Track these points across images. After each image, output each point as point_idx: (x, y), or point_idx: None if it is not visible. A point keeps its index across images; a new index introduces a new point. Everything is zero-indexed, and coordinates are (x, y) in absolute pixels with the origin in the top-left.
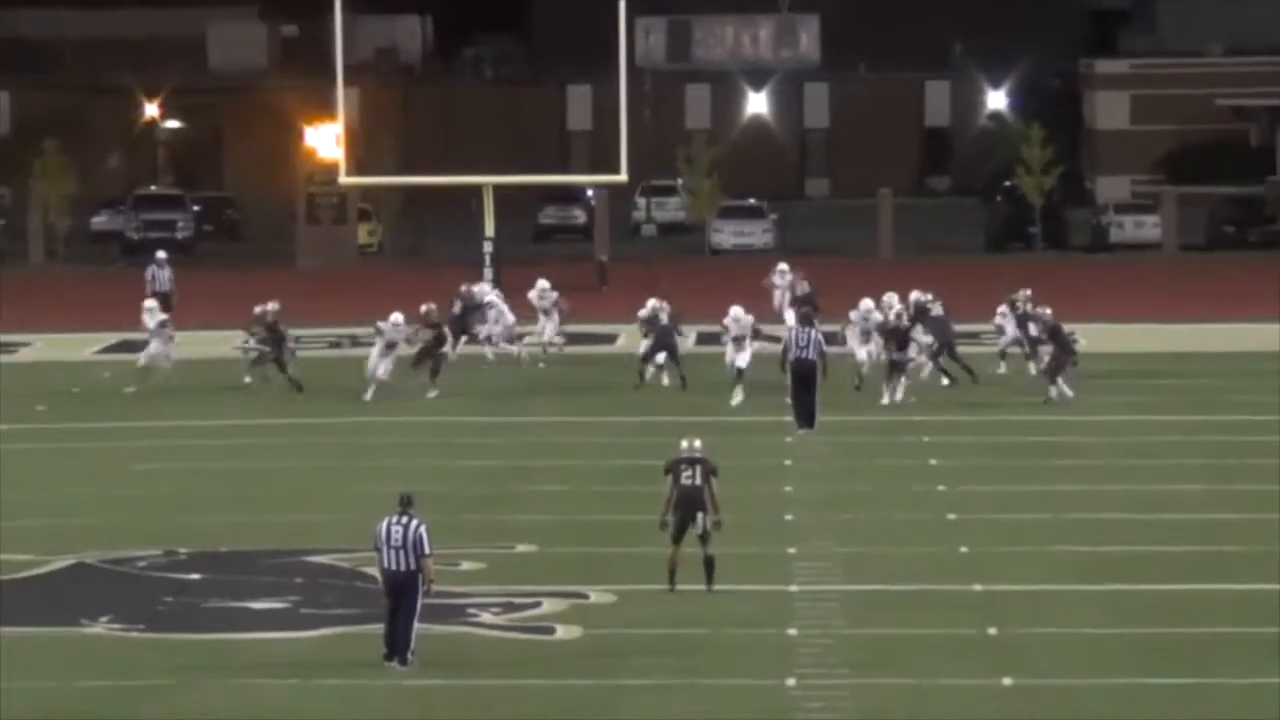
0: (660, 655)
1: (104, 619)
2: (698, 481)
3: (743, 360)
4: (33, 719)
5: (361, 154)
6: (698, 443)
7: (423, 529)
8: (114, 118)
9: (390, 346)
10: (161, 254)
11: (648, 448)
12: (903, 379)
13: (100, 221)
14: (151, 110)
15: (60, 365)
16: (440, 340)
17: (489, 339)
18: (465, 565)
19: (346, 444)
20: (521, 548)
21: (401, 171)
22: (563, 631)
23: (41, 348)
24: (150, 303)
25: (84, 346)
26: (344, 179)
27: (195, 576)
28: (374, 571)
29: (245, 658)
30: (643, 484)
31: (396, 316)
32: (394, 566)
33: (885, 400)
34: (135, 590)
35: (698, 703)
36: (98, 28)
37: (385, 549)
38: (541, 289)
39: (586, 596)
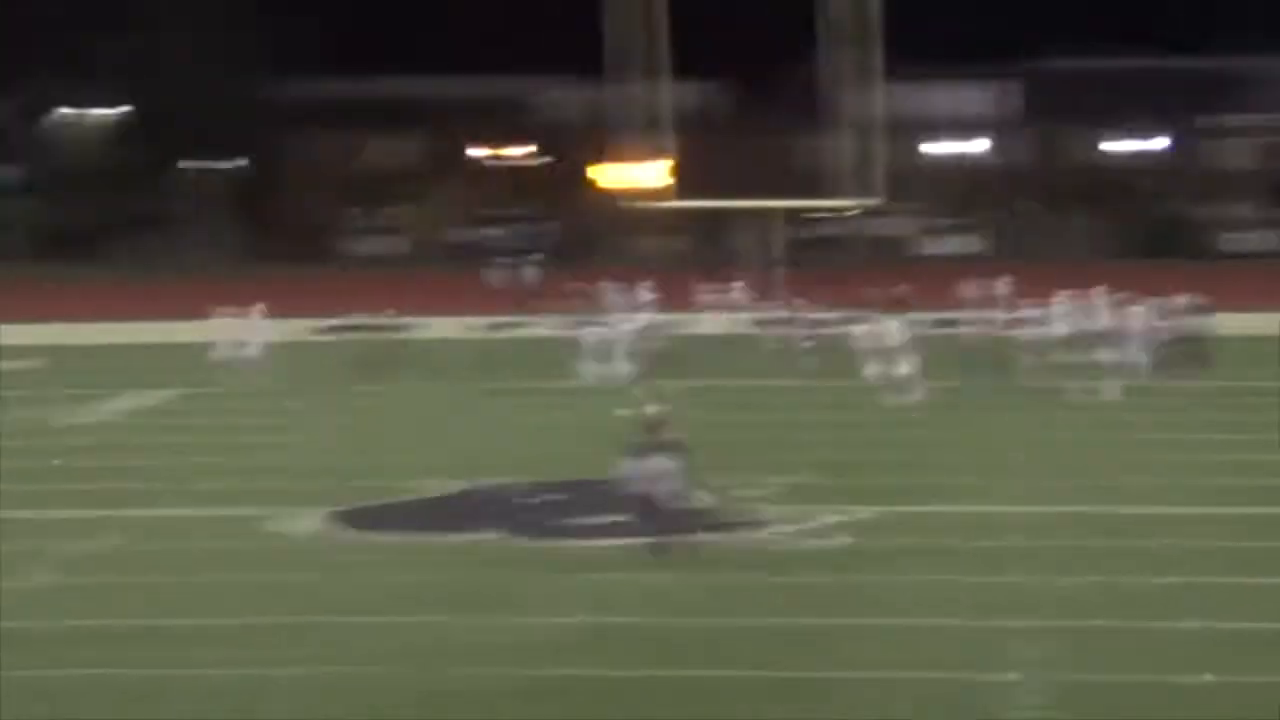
0: (917, 557)
1: (485, 530)
2: None
3: None
4: (409, 600)
5: (675, 183)
6: None
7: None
8: (475, 158)
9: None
10: (513, 258)
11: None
12: None
13: (468, 234)
14: (510, 151)
15: (450, 341)
16: None
17: None
18: (764, 490)
19: None
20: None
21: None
22: (836, 539)
23: (434, 327)
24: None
25: (463, 327)
26: (660, 203)
27: (556, 497)
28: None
29: (582, 557)
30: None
31: None
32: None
33: None
34: (509, 509)
35: (947, 592)
36: (464, 90)
37: (656, 476)
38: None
39: (854, 513)
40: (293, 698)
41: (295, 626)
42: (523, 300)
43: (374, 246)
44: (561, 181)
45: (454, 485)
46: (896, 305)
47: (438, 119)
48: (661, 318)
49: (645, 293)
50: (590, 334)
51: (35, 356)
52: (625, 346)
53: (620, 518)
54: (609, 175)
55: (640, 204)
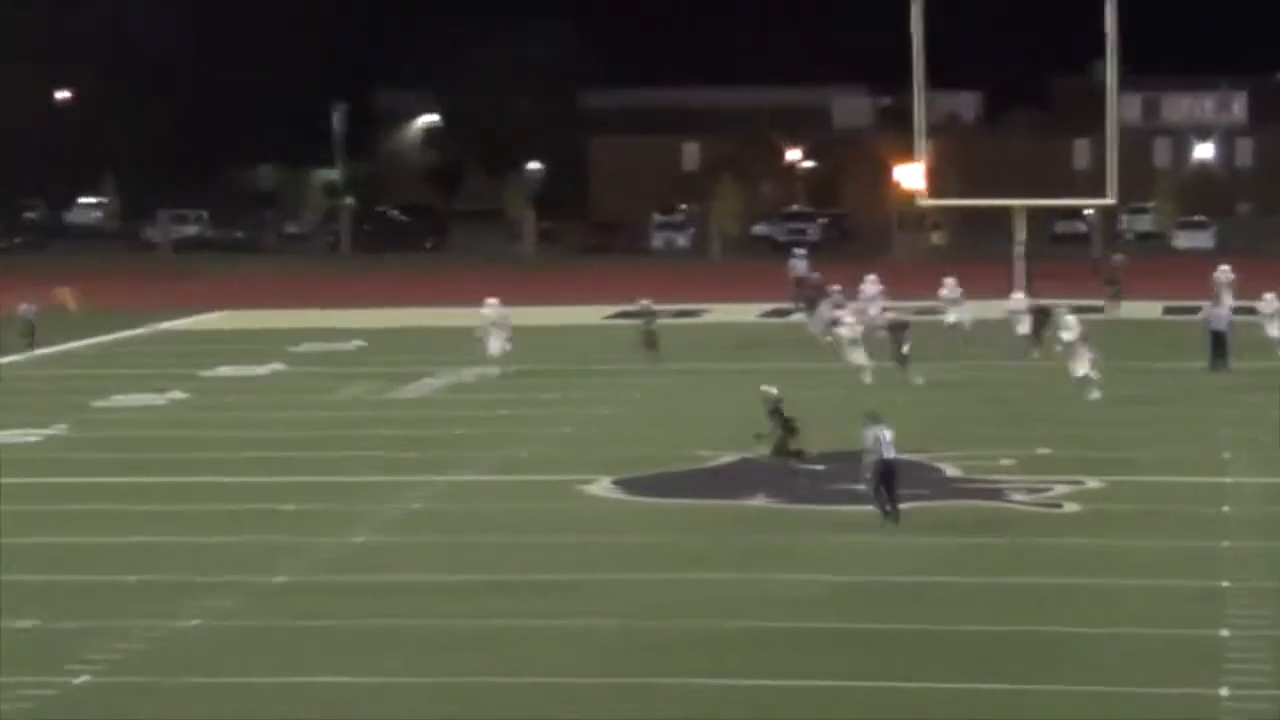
0: (1139, 521)
1: (754, 497)
2: None
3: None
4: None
5: (935, 184)
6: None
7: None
8: (766, 160)
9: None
10: (799, 250)
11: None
12: None
13: (758, 229)
14: (793, 155)
15: (731, 326)
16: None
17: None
18: (1004, 461)
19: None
20: (1040, 450)
21: (961, 196)
22: (1068, 507)
23: (717, 313)
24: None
25: (748, 313)
26: (924, 201)
27: (817, 467)
28: (941, 466)
29: (839, 520)
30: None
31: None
32: (891, 456)
33: None
34: (775, 477)
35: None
36: (755, 99)
37: (884, 446)
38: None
39: (1083, 483)
40: (582, 646)
41: (585, 582)
42: (802, 289)
43: (671, 240)
44: (847, 181)
45: (727, 456)
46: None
47: (732, 124)
48: (905, 304)
49: (871, 285)
50: (840, 321)
51: (356, 338)
52: (880, 333)
53: (865, 485)
54: (892, 176)
55: (917, 202)
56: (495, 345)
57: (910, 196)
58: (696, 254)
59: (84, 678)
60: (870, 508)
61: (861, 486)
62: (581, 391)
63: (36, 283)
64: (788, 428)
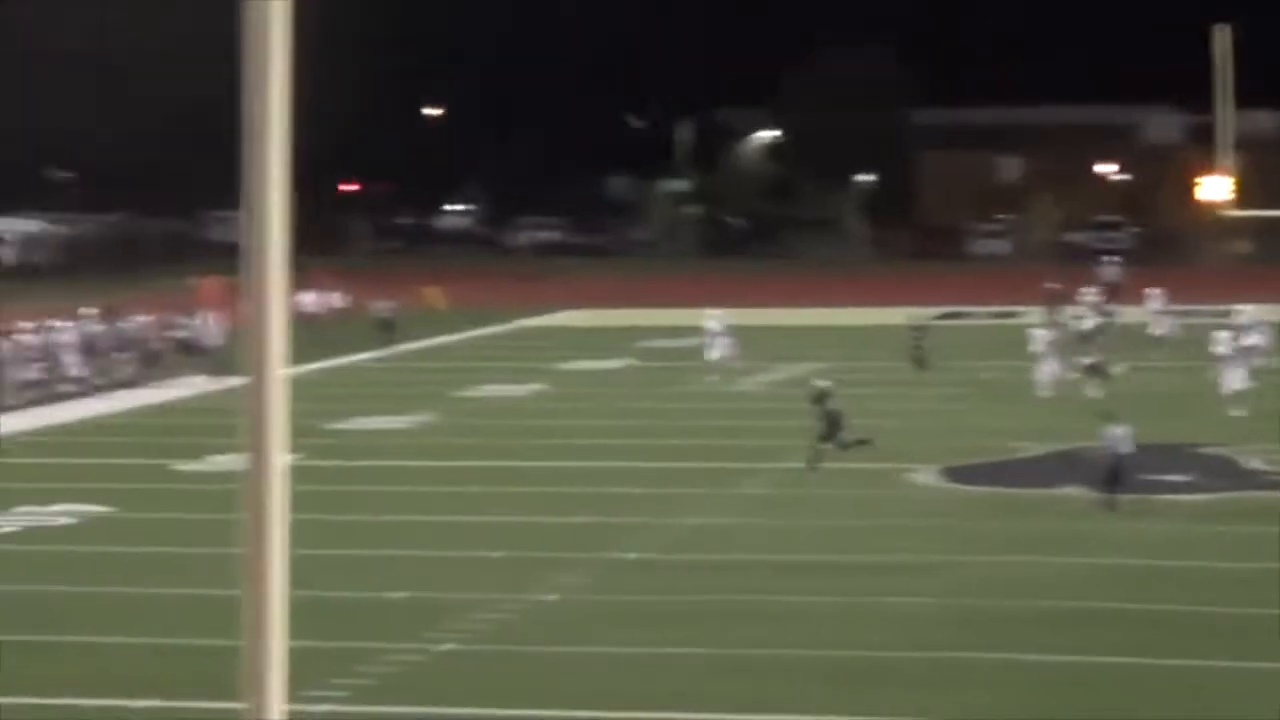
0: None
1: (1068, 486)
2: None
3: None
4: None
5: (1243, 195)
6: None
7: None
8: (1081, 173)
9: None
10: (1109, 258)
11: None
12: None
13: (1073, 237)
14: (1104, 168)
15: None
16: None
17: None
18: None
19: None
20: None
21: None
22: None
23: (1032, 316)
24: (1093, 290)
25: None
26: (1230, 212)
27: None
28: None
29: (1150, 508)
30: None
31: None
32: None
33: None
34: (1093, 468)
35: None
36: (1071, 116)
37: (1118, 442)
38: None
39: None
40: (905, 622)
41: (914, 564)
42: (1111, 295)
43: (989, 247)
44: (1153, 194)
45: (1040, 448)
46: None
47: (1046, 141)
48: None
49: (1093, 294)
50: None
51: (695, 336)
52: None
53: (1182, 477)
54: (1197, 190)
55: (1220, 214)
56: (717, 351)
57: (1215, 207)
58: (1012, 260)
59: (448, 645)
60: (1170, 496)
61: (1176, 477)
62: (907, 387)
63: (407, 283)
64: (830, 420)
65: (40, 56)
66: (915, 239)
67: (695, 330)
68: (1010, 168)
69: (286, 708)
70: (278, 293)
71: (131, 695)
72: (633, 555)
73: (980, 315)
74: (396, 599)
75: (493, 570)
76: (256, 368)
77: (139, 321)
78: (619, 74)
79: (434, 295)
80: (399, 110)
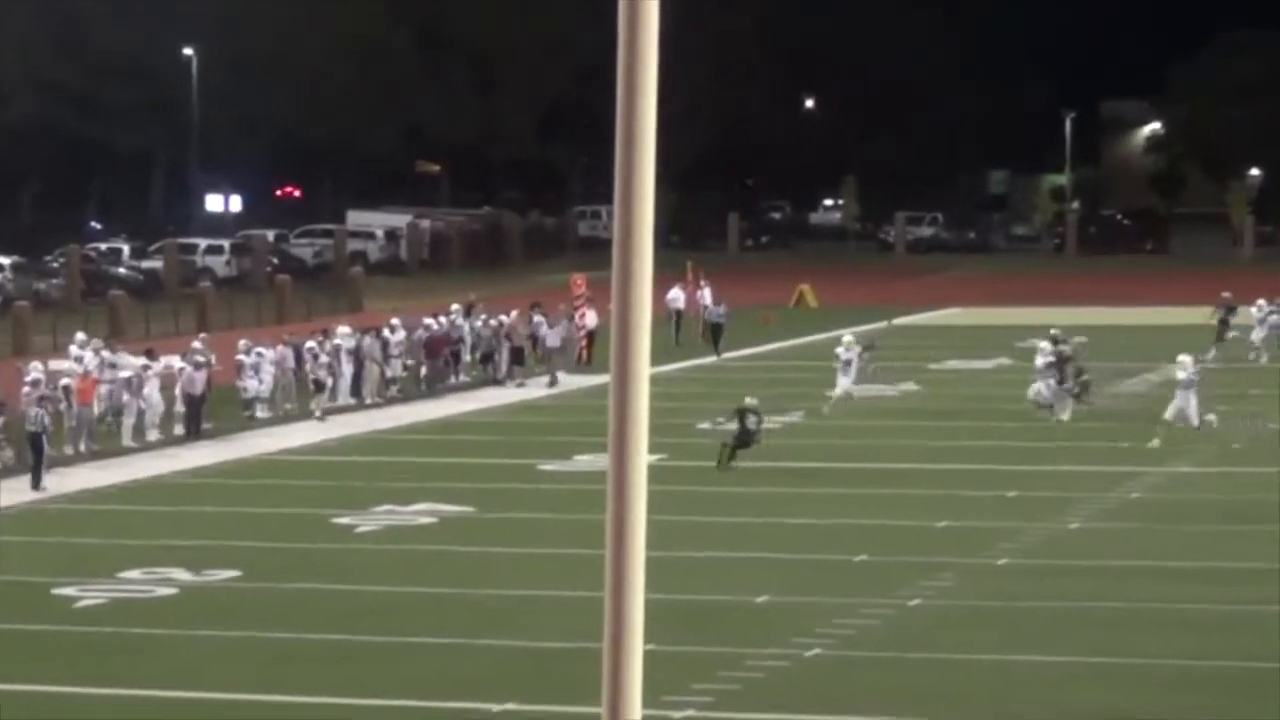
0: None
1: None
2: None
3: None
4: None
5: None
6: None
7: None
8: None
9: None
10: None
11: None
12: None
13: None
14: None
15: None
16: None
17: None
18: None
19: None
20: None
21: None
22: None
23: None
24: None
25: None
26: None
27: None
28: None
29: None
30: None
31: None
32: None
33: None
34: None
35: None
36: None
37: None
38: None
39: None
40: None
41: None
42: None
43: None
44: None
45: None
46: None
47: None
48: None
49: None
50: None
51: (1079, 335)
52: None
53: None
54: None
55: None
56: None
57: None
58: None
59: (814, 651)
60: None
61: None
62: None
63: (780, 279)
64: (741, 435)
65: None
66: None
67: (1074, 329)
68: None
69: (643, 712)
70: (644, 291)
71: (489, 699)
72: (1002, 560)
73: None
74: (760, 603)
75: (857, 574)
76: (620, 366)
77: (506, 318)
78: (1002, 68)
79: (806, 293)
80: (777, 98)
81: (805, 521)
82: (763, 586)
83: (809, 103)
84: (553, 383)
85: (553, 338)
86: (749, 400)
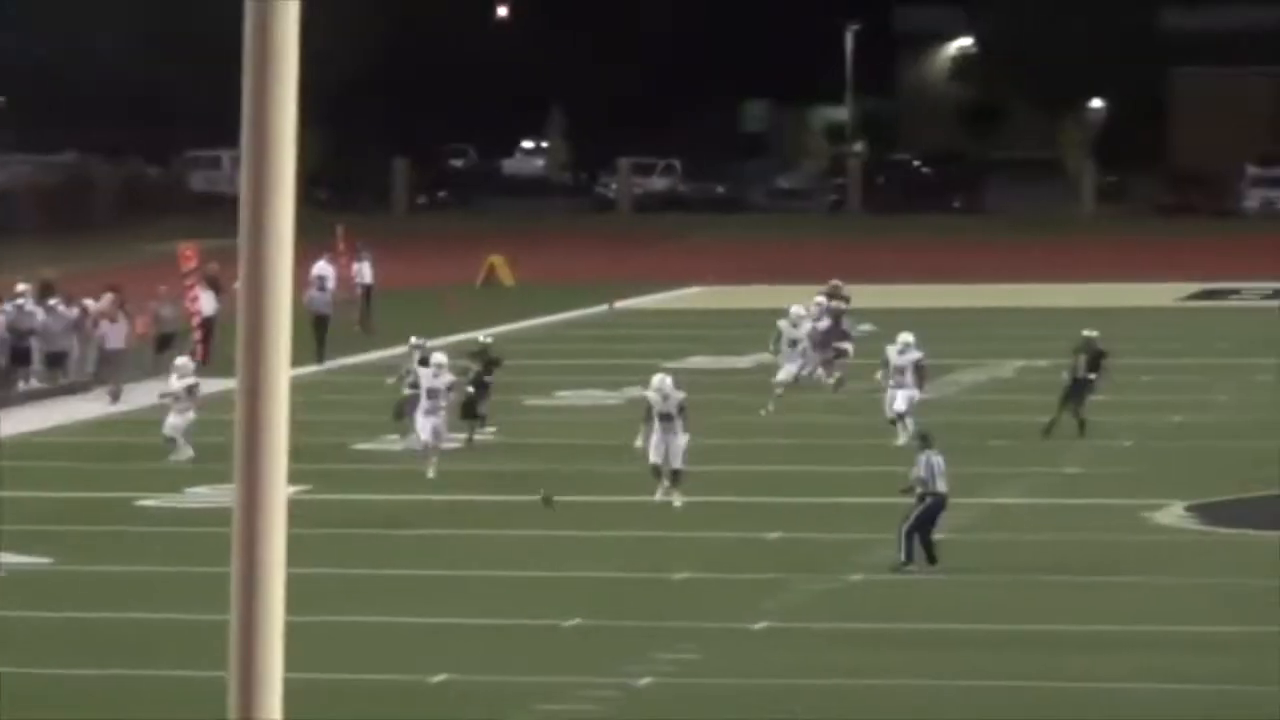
0: None
1: None
2: None
3: None
4: None
5: None
6: None
7: None
8: None
9: None
10: None
11: None
12: None
13: None
14: None
15: None
16: None
17: None
18: None
19: None
20: None
21: None
22: None
23: None
24: None
25: None
26: None
27: None
28: None
29: None
30: None
31: None
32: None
33: None
34: None
35: None
36: None
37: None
38: None
39: None
40: None
41: None
42: None
43: (1271, 199)
44: None
45: None
46: None
47: None
48: None
49: None
50: None
51: (865, 321)
52: None
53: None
54: None
55: None
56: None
57: None
58: None
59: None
60: None
61: None
62: (1148, 394)
63: (463, 248)
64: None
65: None
66: (1164, 188)
67: (858, 314)
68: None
69: None
70: (282, 266)
71: None
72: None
73: (1253, 295)
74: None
75: (566, 641)
76: (250, 368)
77: (93, 304)
78: None
79: (497, 266)
80: (458, 11)
81: (488, 574)
82: (439, 662)
83: (501, 10)
84: (115, 397)
85: (114, 337)
86: (483, 338)
